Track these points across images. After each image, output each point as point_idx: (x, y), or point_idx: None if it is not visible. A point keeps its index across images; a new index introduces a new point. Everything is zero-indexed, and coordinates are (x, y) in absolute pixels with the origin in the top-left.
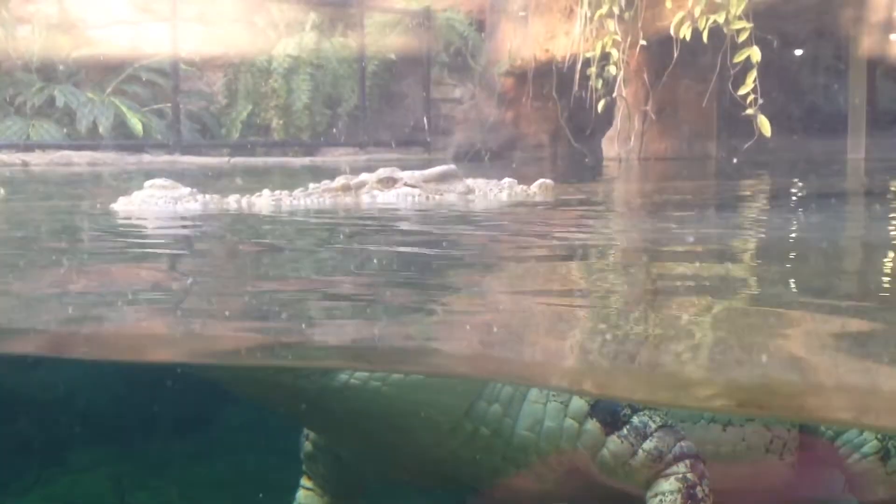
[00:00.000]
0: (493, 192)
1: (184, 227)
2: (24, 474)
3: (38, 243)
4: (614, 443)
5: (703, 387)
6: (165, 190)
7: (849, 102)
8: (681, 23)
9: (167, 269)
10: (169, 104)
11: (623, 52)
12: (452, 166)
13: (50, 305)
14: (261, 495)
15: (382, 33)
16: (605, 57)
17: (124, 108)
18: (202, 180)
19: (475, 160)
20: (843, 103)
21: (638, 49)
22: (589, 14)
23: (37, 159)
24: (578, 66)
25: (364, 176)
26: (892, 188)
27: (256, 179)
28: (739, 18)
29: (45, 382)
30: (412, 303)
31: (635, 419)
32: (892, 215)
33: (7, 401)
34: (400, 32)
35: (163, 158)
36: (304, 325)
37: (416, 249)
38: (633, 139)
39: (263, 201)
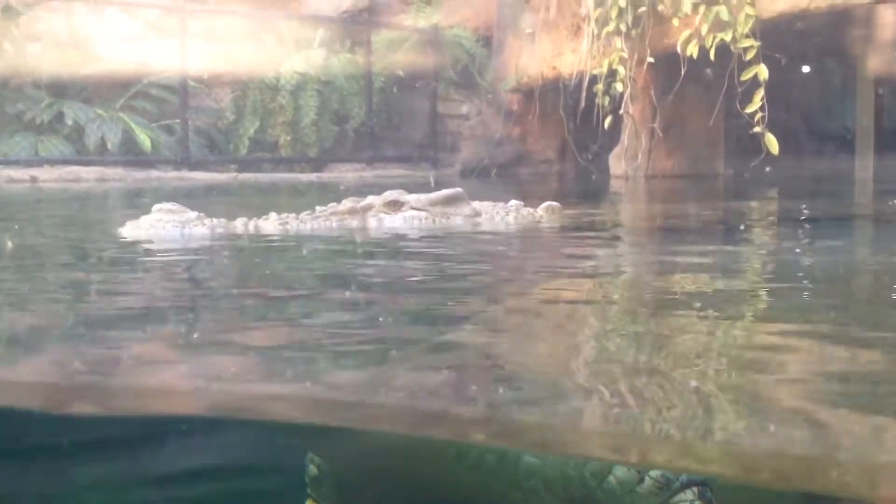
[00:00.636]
0: (499, 216)
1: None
2: (27, 491)
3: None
4: (620, 470)
5: None
6: (173, 214)
7: (857, 122)
8: (688, 41)
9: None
10: (177, 120)
11: (630, 70)
12: (459, 189)
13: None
14: None
15: (390, 50)
16: (612, 74)
17: (133, 124)
18: (209, 199)
19: (482, 176)
20: (851, 123)
21: (645, 66)
22: (596, 31)
23: (45, 175)
24: (585, 83)
25: (370, 199)
26: None
27: (264, 197)
28: (747, 37)
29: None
30: None
31: None
32: None
33: (9, 416)
34: (407, 49)
35: (171, 174)
36: None
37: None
38: (640, 156)
39: (270, 225)
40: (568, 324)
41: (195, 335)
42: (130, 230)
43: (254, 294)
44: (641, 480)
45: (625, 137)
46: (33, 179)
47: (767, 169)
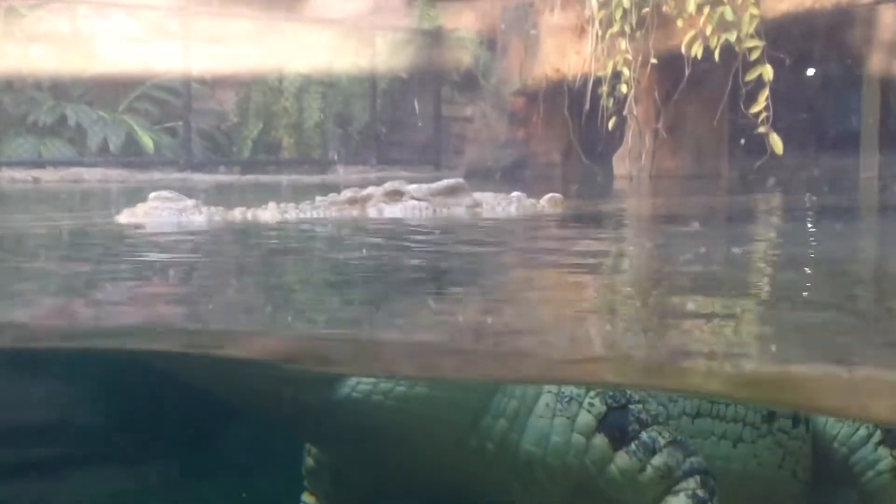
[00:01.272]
0: (501, 206)
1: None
2: (24, 494)
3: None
4: (622, 458)
5: None
6: (170, 202)
7: (861, 121)
8: (692, 41)
9: None
10: (180, 122)
11: (634, 71)
12: (460, 180)
13: None
14: None
15: (394, 52)
16: (617, 75)
17: (135, 126)
18: (209, 194)
19: (486, 178)
20: (856, 122)
21: (649, 67)
22: (600, 33)
23: (48, 176)
24: (590, 85)
25: (371, 189)
26: None
27: (264, 193)
28: (751, 37)
29: (45, 401)
30: None
31: (644, 434)
32: None
33: (8, 420)
34: (411, 52)
35: (173, 176)
36: None
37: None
38: (643, 157)
39: (269, 214)
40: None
41: None
42: (127, 217)
43: None
44: (643, 469)
45: (629, 138)
46: (36, 180)
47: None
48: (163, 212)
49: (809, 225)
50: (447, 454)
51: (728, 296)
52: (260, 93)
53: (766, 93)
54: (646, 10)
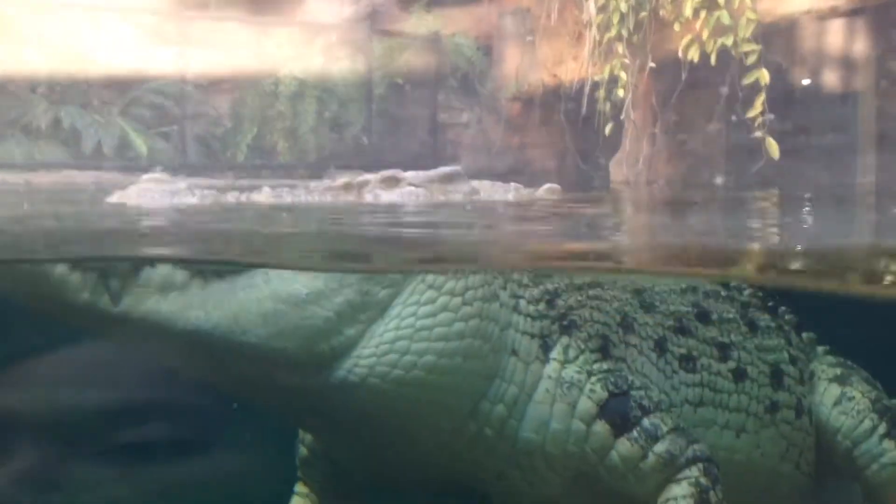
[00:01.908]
0: (498, 193)
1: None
2: (19, 499)
3: None
4: (624, 445)
5: None
6: (162, 184)
7: (858, 127)
8: (689, 45)
9: None
10: (175, 126)
11: (631, 76)
12: (458, 167)
13: None
14: None
15: (390, 57)
16: (614, 80)
17: (130, 130)
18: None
19: None
20: (853, 127)
21: (646, 72)
22: (597, 37)
23: (40, 179)
24: (587, 90)
25: (367, 175)
26: None
27: None
28: (748, 41)
29: (42, 404)
30: None
31: (646, 421)
32: None
33: (2, 423)
34: (407, 57)
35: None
36: None
37: None
38: (640, 162)
39: (263, 197)
40: None
41: None
42: (118, 198)
43: None
44: (645, 456)
45: (626, 143)
46: (28, 183)
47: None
48: (155, 193)
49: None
50: (445, 440)
51: None
52: (254, 97)
53: (762, 97)
54: (643, 14)
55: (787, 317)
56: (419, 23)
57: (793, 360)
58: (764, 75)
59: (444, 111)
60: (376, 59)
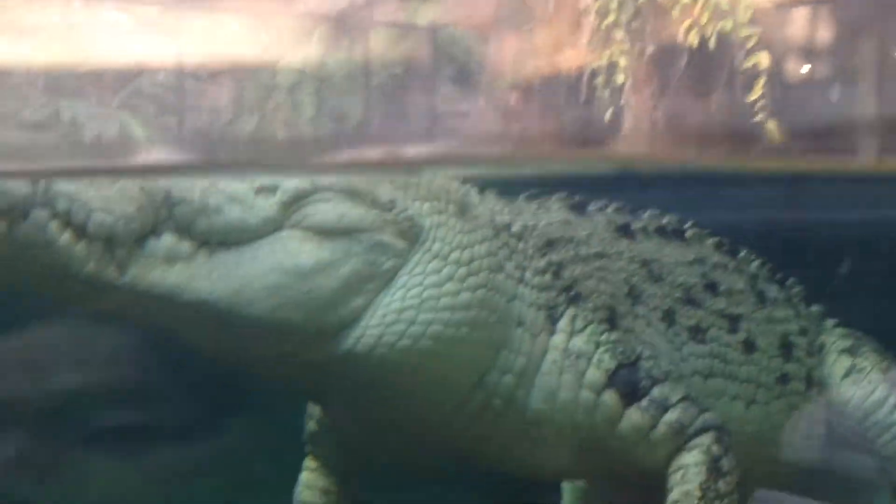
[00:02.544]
0: None
1: None
2: (16, 487)
3: None
4: (633, 415)
5: None
6: None
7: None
8: (688, 30)
9: None
10: (174, 118)
11: (630, 62)
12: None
13: None
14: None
15: (388, 47)
16: (613, 66)
17: (129, 122)
18: None
19: None
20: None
21: (646, 57)
22: (596, 24)
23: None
24: (585, 78)
25: None
26: None
27: None
28: (747, 25)
29: (37, 388)
30: None
31: (655, 390)
32: None
33: (5, 409)
34: (405, 47)
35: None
36: None
37: None
38: (640, 147)
39: None
40: None
41: None
42: None
43: None
44: (655, 426)
45: (625, 129)
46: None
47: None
48: None
49: None
50: (453, 411)
51: None
52: (253, 89)
53: (762, 81)
54: (641, 0)
55: (795, 289)
56: (416, 12)
57: (802, 332)
58: (764, 58)
59: (442, 101)
60: (374, 49)
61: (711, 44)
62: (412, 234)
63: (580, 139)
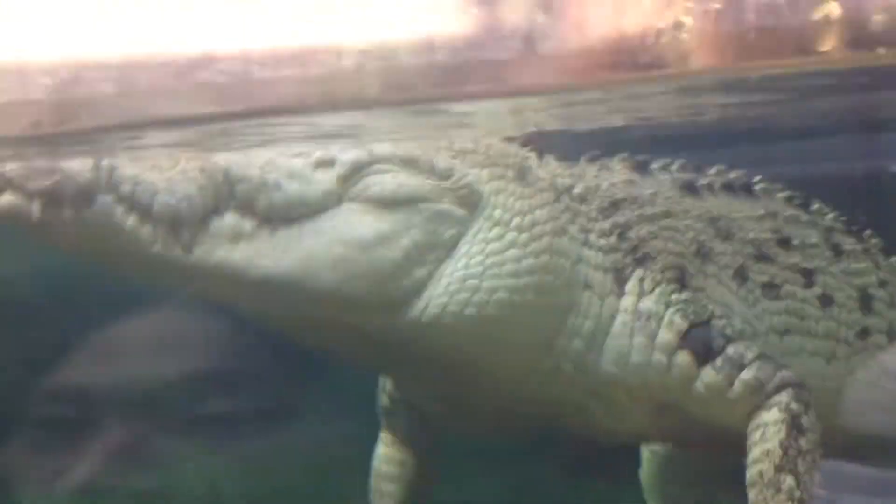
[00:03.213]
0: None
1: None
2: (109, 475)
3: None
4: (708, 375)
5: None
6: None
7: None
8: None
9: None
10: (241, 106)
11: (696, 20)
12: None
13: None
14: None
15: (450, 19)
16: (678, 26)
17: None
18: None
19: None
20: None
21: (712, 14)
22: None
23: None
24: (651, 39)
25: None
26: None
27: None
28: None
29: (127, 377)
30: None
31: (730, 349)
32: None
33: (105, 397)
34: (467, 20)
35: None
36: None
37: None
38: None
39: None
40: None
41: None
42: None
43: None
44: (731, 384)
45: None
46: None
47: None
48: None
49: None
50: (522, 377)
51: None
52: (318, 72)
53: (834, 31)
54: None
55: (873, 240)
56: None
57: (882, 284)
58: (835, 8)
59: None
60: (436, 22)
61: None
62: (472, 202)
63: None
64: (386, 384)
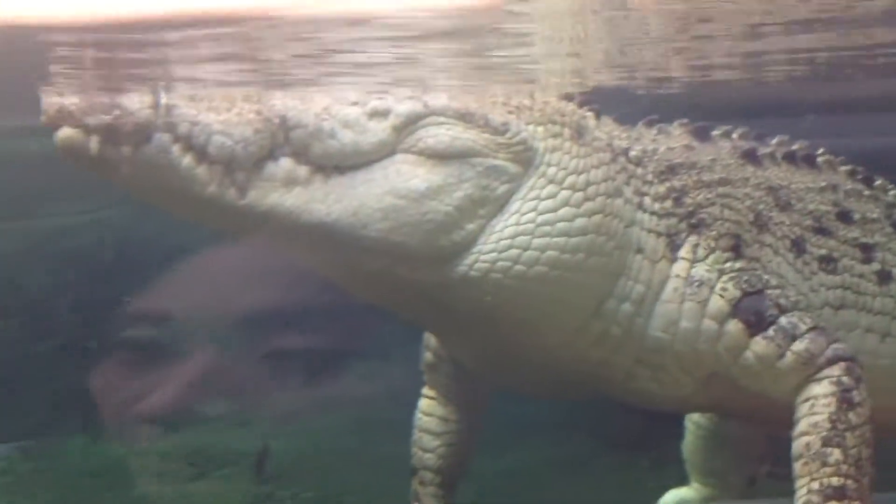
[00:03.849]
0: None
1: None
2: (189, 403)
3: None
4: (759, 345)
5: None
6: None
7: None
8: None
9: None
10: None
11: None
12: None
13: None
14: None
15: None
16: None
17: None
18: None
19: None
20: None
21: None
22: None
23: None
24: None
25: None
26: None
27: None
28: None
29: (229, 311)
30: None
31: (783, 319)
32: None
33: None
34: None
35: None
36: None
37: None
38: None
39: None
40: None
41: None
42: None
43: None
44: (782, 355)
45: None
46: None
47: None
48: None
49: None
50: (569, 339)
51: None
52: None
53: None
54: None
55: None
56: None
57: None
58: None
59: None
60: None
61: None
62: (526, 159)
63: None
64: (430, 340)
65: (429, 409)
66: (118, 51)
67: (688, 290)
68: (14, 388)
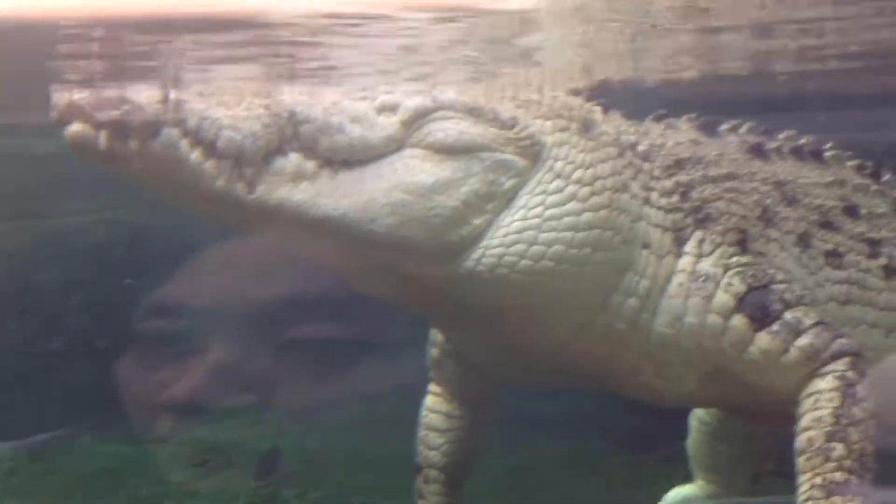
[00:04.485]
0: None
1: None
2: (211, 392)
3: None
4: (764, 340)
5: None
6: None
7: None
8: None
9: None
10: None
11: None
12: None
13: None
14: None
15: None
16: None
17: None
18: None
19: None
20: None
21: None
22: None
23: None
24: None
25: None
26: None
27: None
28: None
29: (246, 300)
30: None
31: (788, 314)
32: None
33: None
34: None
35: None
36: None
37: None
38: None
39: None
40: None
41: None
42: None
43: None
44: (787, 350)
45: None
46: None
47: None
48: None
49: None
50: (575, 334)
51: None
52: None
53: None
54: None
55: None
56: None
57: None
58: None
59: None
60: None
61: None
62: (533, 153)
63: None
64: (436, 336)
65: (434, 405)
66: (127, 45)
67: (693, 285)
68: (26, 386)
